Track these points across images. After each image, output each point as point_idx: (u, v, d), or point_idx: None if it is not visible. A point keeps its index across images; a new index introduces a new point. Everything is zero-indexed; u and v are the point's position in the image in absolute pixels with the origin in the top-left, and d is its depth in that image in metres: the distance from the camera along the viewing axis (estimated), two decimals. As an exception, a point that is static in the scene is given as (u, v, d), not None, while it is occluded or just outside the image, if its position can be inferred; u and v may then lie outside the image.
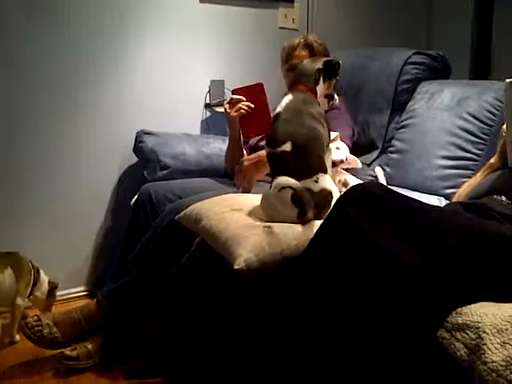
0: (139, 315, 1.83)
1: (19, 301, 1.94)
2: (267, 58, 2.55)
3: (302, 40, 2.12)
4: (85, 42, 2.28)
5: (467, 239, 1.04)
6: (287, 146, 1.44)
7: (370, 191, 1.05)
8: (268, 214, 1.48)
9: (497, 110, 1.79)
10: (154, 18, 2.42)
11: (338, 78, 1.64)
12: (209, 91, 2.59)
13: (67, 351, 1.78)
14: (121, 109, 2.39)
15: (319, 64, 1.61)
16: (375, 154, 2.13)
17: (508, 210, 1.21)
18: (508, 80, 1.22)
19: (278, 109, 1.55)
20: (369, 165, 2.12)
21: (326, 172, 1.49)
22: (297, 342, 1.05)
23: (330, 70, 1.61)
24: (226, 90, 2.60)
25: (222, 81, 2.61)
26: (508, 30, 2.75)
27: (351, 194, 1.07)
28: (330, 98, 1.63)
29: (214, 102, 2.59)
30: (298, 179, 1.42)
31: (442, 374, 0.99)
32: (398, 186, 1.90)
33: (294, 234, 1.36)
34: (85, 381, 1.73)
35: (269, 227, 1.39)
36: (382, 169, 1.97)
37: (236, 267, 1.31)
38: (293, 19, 2.84)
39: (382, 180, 1.94)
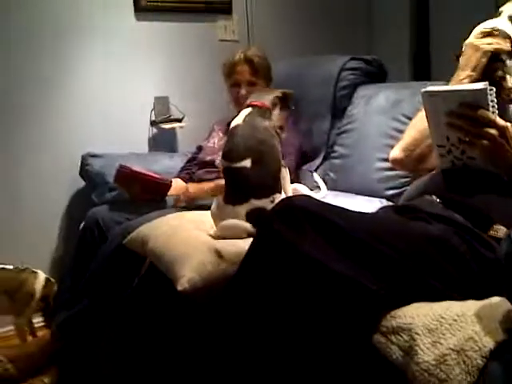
0: (95, 342, 1.81)
1: None
2: (210, 71, 2.56)
3: (241, 55, 2.16)
4: (20, 66, 2.25)
5: (395, 242, 1.07)
6: (247, 163, 1.46)
7: (294, 204, 1.07)
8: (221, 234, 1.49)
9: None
10: (92, 39, 2.42)
11: (290, 110, 1.70)
12: (153, 108, 2.59)
13: (23, 387, 1.75)
14: (64, 130, 2.37)
15: (277, 93, 1.66)
16: (319, 160, 2.17)
17: (438, 209, 1.25)
18: (423, 90, 1.26)
19: (237, 121, 1.57)
20: (314, 171, 2.16)
21: (280, 192, 1.51)
22: (240, 357, 1.06)
23: (285, 101, 1.66)
24: (171, 106, 2.61)
25: (167, 97, 2.62)
26: (445, 32, 2.83)
27: (277, 209, 1.09)
28: (281, 129, 1.67)
29: (160, 118, 2.59)
30: (255, 197, 1.44)
31: (380, 378, 1.01)
32: (342, 191, 1.95)
33: (236, 251, 1.37)
34: (44, 415, 1.71)
35: (213, 246, 1.40)
36: (324, 176, 2.00)
37: (179, 288, 1.32)
38: (233, 31, 2.86)
39: (322, 186, 1.97)
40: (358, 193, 1.90)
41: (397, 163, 1.55)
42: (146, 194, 2.04)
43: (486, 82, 1.19)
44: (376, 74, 2.25)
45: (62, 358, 1.80)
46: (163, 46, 2.62)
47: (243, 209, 1.43)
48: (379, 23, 3.19)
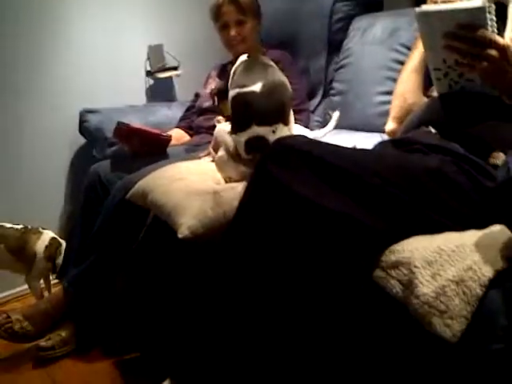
0: (108, 295, 1.85)
1: None
2: (203, 15, 2.45)
3: None
4: (15, 20, 2.17)
5: (391, 176, 1.04)
6: (257, 86, 1.42)
7: (287, 144, 1.04)
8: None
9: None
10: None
11: None
12: (148, 57, 2.53)
13: (42, 342, 1.79)
14: (60, 88, 2.31)
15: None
16: (318, 99, 2.12)
17: (435, 140, 1.21)
18: (417, 9, 1.19)
19: (239, 61, 1.54)
20: (313, 111, 2.11)
21: (287, 124, 1.46)
22: (240, 299, 1.07)
23: None
24: (165, 54, 2.54)
25: (161, 45, 2.55)
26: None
27: (271, 150, 1.06)
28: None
29: (155, 67, 2.53)
30: (258, 124, 1.40)
31: (381, 313, 1.01)
32: (342, 128, 1.91)
33: (235, 195, 1.35)
34: (65, 367, 1.76)
35: (214, 192, 1.39)
36: (324, 115, 1.95)
37: (180, 236, 1.33)
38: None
39: (331, 124, 1.92)
40: (358, 129, 1.87)
41: (395, 133, 1.51)
42: (147, 149, 2.02)
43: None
44: (371, 3, 2.16)
45: (77, 312, 1.84)
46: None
47: (244, 136, 1.40)
48: None
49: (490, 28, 1.10)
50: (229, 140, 1.49)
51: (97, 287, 1.82)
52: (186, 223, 1.34)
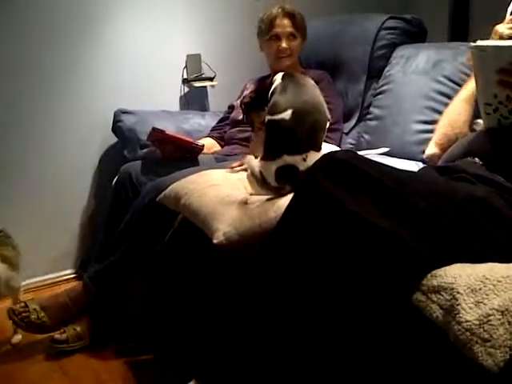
0: (127, 294, 1.84)
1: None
2: (242, 28, 2.51)
3: (280, 10, 2.13)
4: (55, 21, 2.23)
5: (439, 201, 1.04)
6: (287, 114, 1.40)
7: (339, 159, 1.04)
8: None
9: (471, 70, 1.77)
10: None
11: None
12: (186, 66, 2.57)
13: (57, 335, 1.79)
14: (96, 88, 2.35)
15: None
16: (353, 122, 2.13)
17: (481, 171, 1.21)
18: (472, 44, 1.21)
19: (278, 81, 1.54)
20: (347, 133, 2.13)
21: (319, 150, 1.44)
22: (277, 312, 1.06)
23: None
24: (202, 64, 2.58)
25: (199, 55, 2.58)
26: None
27: (321, 163, 1.06)
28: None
29: (192, 76, 2.56)
30: (288, 153, 1.39)
31: (419, 336, 1.00)
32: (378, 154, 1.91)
33: (272, 207, 1.36)
34: (77, 362, 1.75)
35: (246, 201, 1.39)
36: (359, 138, 1.95)
37: (215, 241, 1.33)
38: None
39: (374, 151, 1.91)
40: (392, 155, 1.87)
41: (434, 158, 1.52)
42: (178, 155, 2.04)
43: None
44: (415, 34, 2.18)
45: (94, 308, 1.84)
46: (196, 1, 2.56)
47: (274, 165, 1.40)
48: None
49: None
50: (256, 168, 1.47)
51: (117, 285, 1.82)
52: (222, 229, 1.34)
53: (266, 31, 2.15)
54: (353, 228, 1.00)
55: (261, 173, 1.44)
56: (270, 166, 1.42)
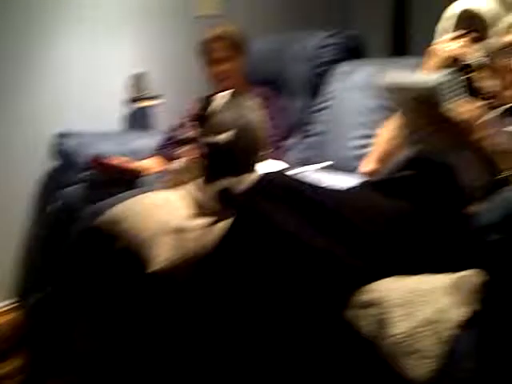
0: (67, 324, 1.78)
1: None
2: (188, 46, 2.50)
3: (215, 32, 2.13)
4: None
5: (370, 218, 1.06)
6: (226, 136, 1.41)
7: (276, 180, 1.07)
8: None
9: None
10: (64, 12, 2.32)
11: None
12: (130, 85, 2.54)
13: (-5, 369, 1.72)
14: (36, 111, 2.28)
15: None
16: (295, 138, 2.15)
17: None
18: (382, 82, 1.21)
19: (219, 100, 1.53)
20: (291, 149, 2.14)
21: (257, 171, 1.44)
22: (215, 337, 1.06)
23: None
24: (147, 83, 2.55)
25: (143, 74, 2.56)
26: (423, 6, 2.81)
27: (259, 185, 1.09)
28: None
29: (136, 96, 2.54)
30: (227, 175, 1.39)
31: (352, 351, 1.00)
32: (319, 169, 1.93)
33: (211, 232, 1.32)
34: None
35: (186, 227, 1.38)
36: (301, 154, 1.96)
37: (151, 269, 1.31)
38: (214, 5, 2.81)
39: (315, 166, 1.93)
40: (334, 170, 1.88)
41: (372, 174, 1.54)
42: (118, 179, 2.00)
43: (441, 74, 1.15)
44: (355, 50, 2.22)
45: (34, 340, 1.77)
46: (141, 19, 2.55)
47: (215, 187, 1.40)
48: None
49: (446, 102, 1.11)
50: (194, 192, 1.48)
51: (56, 315, 1.76)
52: (158, 256, 1.32)
53: (204, 55, 2.15)
54: (290, 248, 1.02)
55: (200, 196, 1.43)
56: (211, 189, 1.42)
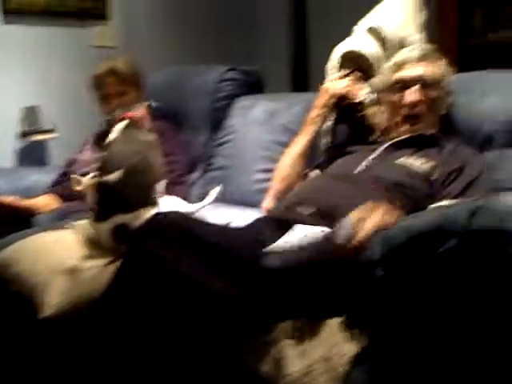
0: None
1: None
2: (84, 78, 2.43)
3: (107, 67, 2.08)
4: None
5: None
6: (116, 175, 1.40)
7: (167, 220, 1.05)
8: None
9: (305, 120, 1.87)
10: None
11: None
12: (22, 118, 2.42)
13: None
14: None
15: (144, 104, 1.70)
16: (198, 172, 2.14)
17: (309, 220, 1.26)
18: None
19: (113, 134, 1.53)
20: (193, 184, 2.13)
21: (152, 206, 1.44)
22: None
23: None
24: (41, 116, 2.45)
25: (37, 107, 2.46)
26: (322, 44, 2.93)
27: (149, 225, 1.07)
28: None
29: (29, 129, 2.42)
30: (120, 212, 1.38)
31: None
32: (221, 203, 1.93)
33: (103, 273, 1.29)
34: None
35: (75, 269, 1.32)
36: (204, 188, 1.96)
37: (43, 315, 1.27)
38: (110, 37, 2.77)
39: (210, 199, 1.94)
40: (236, 204, 1.90)
41: (271, 211, 1.58)
42: (12, 218, 1.90)
43: None
44: (254, 85, 2.26)
45: None
46: (33, 51, 2.47)
47: (107, 225, 1.38)
48: (260, 34, 3.26)
49: None
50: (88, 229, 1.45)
51: None
52: (50, 302, 1.28)
53: (96, 90, 2.11)
54: (183, 289, 1.01)
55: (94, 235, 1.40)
56: (104, 227, 1.40)
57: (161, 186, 1.56)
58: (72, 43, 2.57)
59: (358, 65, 1.61)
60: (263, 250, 1.03)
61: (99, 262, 1.37)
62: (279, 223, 1.28)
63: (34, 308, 1.31)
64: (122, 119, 1.60)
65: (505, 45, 2.43)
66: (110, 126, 1.61)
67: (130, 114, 1.62)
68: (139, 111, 1.61)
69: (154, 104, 1.73)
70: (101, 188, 1.43)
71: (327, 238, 1.06)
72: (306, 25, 3.17)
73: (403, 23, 1.71)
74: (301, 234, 1.12)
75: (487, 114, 1.56)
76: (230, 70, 2.26)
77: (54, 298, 1.29)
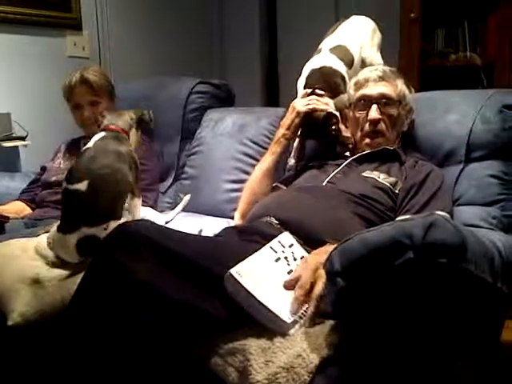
0: None
1: None
2: (58, 87, 2.43)
3: (78, 77, 2.08)
4: None
5: (233, 266, 1.08)
6: (82, 185, 1.40)
7: (133, 230, 1.06)
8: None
9: (272, 134, 1.92)
10: None
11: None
12: (-6, 125, 2.40)
13: None
14: None
15: (131, 114, 1.70)
16: (169, 181, 2.17)
17: (274, 230, 1.30)
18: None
19: (88, 144, 1.54)
20: (164, 192, 2.15)
21: (119, 219, 1.46)
22: None
23: (141, 122, 1.73)
24: (13, 123, 2.44)
25: (9, 114, 2.45)
26: (292, 58, 3.00)
27: (114, 235, 1.07)
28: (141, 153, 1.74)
29: (1, 136, 2.40)
30: (87, 224, 1.39)
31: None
32: (191, 212, 1.97)
33: (70, 281, 1.33)
34: None
35: (39, 280, 1.33)
36: (175, 197, 1.99)
37: (10, 323, 1.27)
38: (83, 47, 2.78)
39: (180, 207, 1.98)
40: (206, 213, 1.93)
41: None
42: None
43: None
44: (224, 98, 2.31)
45: None
46: (6, 59, 2.45)
47: (74, 237, 1.39)
48: (232, 48, 3.31)
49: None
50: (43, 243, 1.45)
51: None
52: (17, 310, 1.28)
53: (67, 100, 2.12)
54: (148, 298, 1.01)
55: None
56: (69, 239, 1.40)
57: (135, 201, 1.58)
58: (46, 52, 2.57)
59: (325, 82, 1.66)
60: (226, 272, 1.04)
61: (64, 272, 1.38)
62: (244, 233, 1.32)
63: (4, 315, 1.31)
64: (103, 130, 1.62)
65: (463, 66, 2.54)
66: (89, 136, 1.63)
67: (112, 126, 1.62)
68: (123, 125, 1.62)
69: (150, 115, 1.76)
70: (66, 195, 1.43)
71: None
72: (276, 39, 3.25)
73: (363, 43, 1.78)
74: (269, 260, 1.13)
75: (448, 130, 1.63)
76: (200, 82, 2.30)
77: (19, 306, 1.30)
